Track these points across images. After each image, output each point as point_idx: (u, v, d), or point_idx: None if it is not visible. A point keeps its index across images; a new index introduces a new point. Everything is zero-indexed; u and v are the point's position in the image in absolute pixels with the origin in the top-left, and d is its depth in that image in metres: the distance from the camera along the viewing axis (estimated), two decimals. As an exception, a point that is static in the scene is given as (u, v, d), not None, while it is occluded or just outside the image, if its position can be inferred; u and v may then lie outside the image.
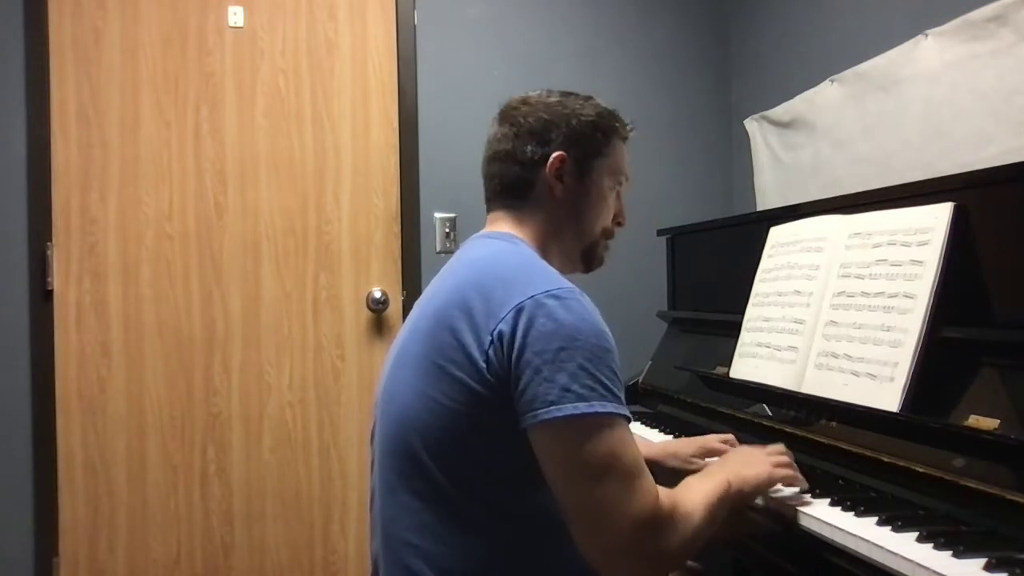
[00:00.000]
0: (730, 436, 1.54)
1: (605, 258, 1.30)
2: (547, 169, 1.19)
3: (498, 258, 1.14)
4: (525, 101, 1.24)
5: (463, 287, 1.08)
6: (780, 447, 1.30)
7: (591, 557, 1.01)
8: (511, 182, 1.22)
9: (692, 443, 1.53)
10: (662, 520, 1.00)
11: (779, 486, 1.26)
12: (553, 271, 1.10)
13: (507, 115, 1.24)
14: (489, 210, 1.27)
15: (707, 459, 1.50)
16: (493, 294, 1.04)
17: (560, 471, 1.00)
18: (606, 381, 1.00)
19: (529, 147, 1.20)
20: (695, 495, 1.07)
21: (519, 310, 1.01)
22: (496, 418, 1.02)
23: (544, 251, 1.20)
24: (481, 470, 1.05)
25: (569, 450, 0.98)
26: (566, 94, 1.25)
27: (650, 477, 1.02)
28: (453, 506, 1.05)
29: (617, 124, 1.26)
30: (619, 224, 1.30)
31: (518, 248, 1.17)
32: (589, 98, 1.26)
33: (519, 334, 1.00)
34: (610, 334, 1.04)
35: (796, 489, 1.26)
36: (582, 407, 0.97)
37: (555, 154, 1.19)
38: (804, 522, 1.17)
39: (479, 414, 1.03)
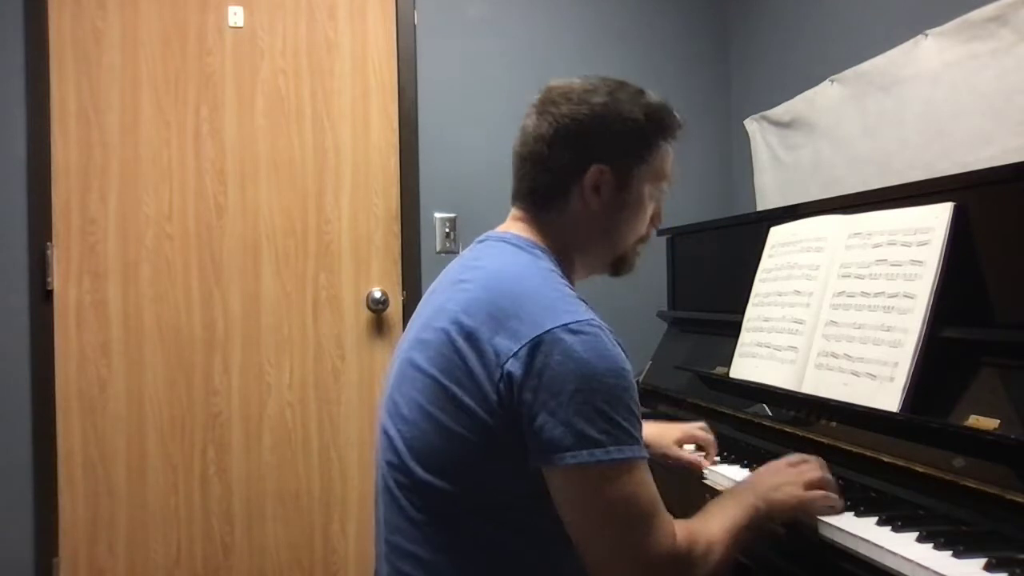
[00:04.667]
0: (703, 424, 1.56)
1: (637, 263, 1.22)
2: (584, 182, 1.11)
3: (515, 278, 1.06)
4: (567, 95, 1.12)
5: (474, 307, 1.03)
6: (814, 462, 1.19)
7: None
8: (543, 189, 1.14)
9: (671, 431, 1.54)
10: (679, 560, 0.98)
11: None
12: (571, 297, 1.04)
13: (546, 109, 1.13)
14: (514, 204, 1.18)
15: (686, 447, 1.54)
16: (505, 323, 0.99)
17: (575, 514, 0.98)
18: (623, 423, 0.96)
19: (567, 155, 1.11)
20: (716, 525, 1.04)
21: (534, 346, 0.96)
22: (505, 447, 1.00)
23: (567, 258, 1.15)
24: (486, 491, 1.03)
25: (584, 495, 0.96)
26: (614, 88, 1.14)
27: (667, 516, 0.99)
28: (457, 520, 1.04)
29: (666, 124, 1.16)
30: (654, 226, 1.22)
31: (537, 263, 1.09)
32: (640, 93, 1.15)
33: (533, 373, 0.96)
34: (629, 368, 1.00)
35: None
36: (598, 454, 0.94)
37: (593, 167, 1.11)
38: (804, 521, 1.17)
39: (488, 442, 1.00)
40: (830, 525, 1.11)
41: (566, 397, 0.95)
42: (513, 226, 1.17)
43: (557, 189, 1.13)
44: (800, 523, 1.17)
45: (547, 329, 0.97)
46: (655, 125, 1.15)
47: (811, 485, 1.15)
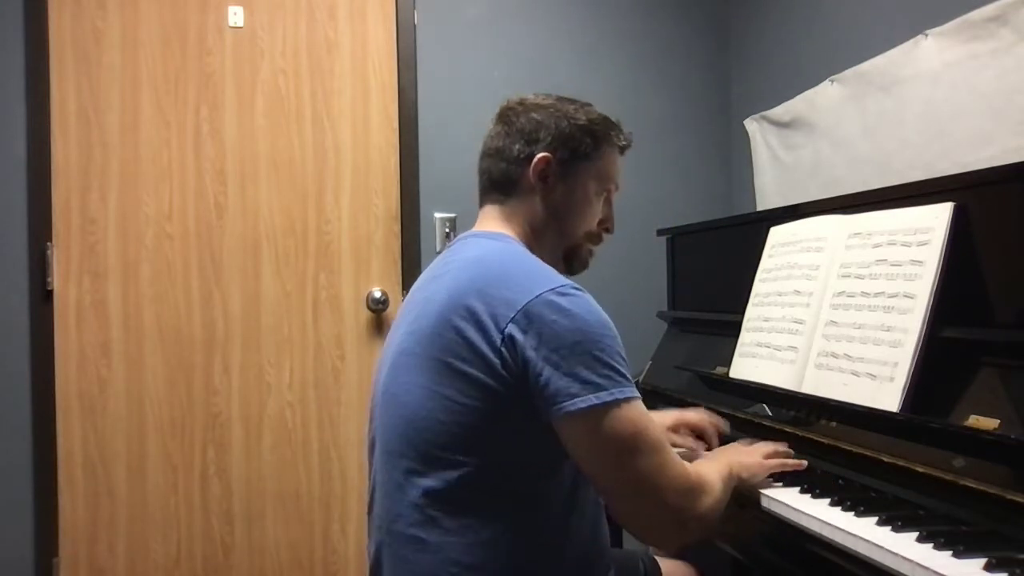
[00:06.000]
0: (701, 408, 1.61)
1: (589, 262, 1.33)
2: (531, 169, 1.23)
3: (495, 258, 1.16)
4: (521, 102, 1.28)
5: (463, 289, 1.10)
6: (773, 445, 1.37)
7: (638, 530, 1.10)
8: (498, 178, 1.26)
9: (663, 418, 1.55)
10: (694, 486, 1.09)
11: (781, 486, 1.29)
12: (550, 268, 1.14)
13: (503, 114, 1.28)
14: (481, 205, 1.30)
15: (683, 433, 1.55)
16: (496, 294, 1.07)
17: (594, 456, 1.06)
18: (619, 367, 1.06)
19: (517, 145, 1.24)
20: (709, 469, 1.16)
21: (528, 310, 1.05)
22: (512, 412, 1.06)
23: (531, 248, 1.23)
24: (495, 463, 1.08)
25: (600, 436, 1.04)
26: (563, 99, 1.28)
27: (673, 449, 1.10)
28: (462, 500, 1.08)
29: (611, 133, 1.28)
30: (606, 230, 1.33)
31: (512, 247, 1.20)
32: (587, 105, 1.29)
33: (532, 333, 1.04)
34: (611, 322, 1.10)
35: (796, 489, 1.26)
36: (603, 395, 1.03)
37: (540, 155, 1.23)
38: (804, 522, 1.17)
39: (495, 409, 1.06)
40: (830, 525, 1.11)
41: (566, 351, 1.04)
42: (482, 222, 1.28)
43: (510, 176, 1.25)
44: (800, 523, 1.17)
45: (538, 294, 1.06)
46: (599, 129, 1.27)
47: (768, 456, 1.32)
